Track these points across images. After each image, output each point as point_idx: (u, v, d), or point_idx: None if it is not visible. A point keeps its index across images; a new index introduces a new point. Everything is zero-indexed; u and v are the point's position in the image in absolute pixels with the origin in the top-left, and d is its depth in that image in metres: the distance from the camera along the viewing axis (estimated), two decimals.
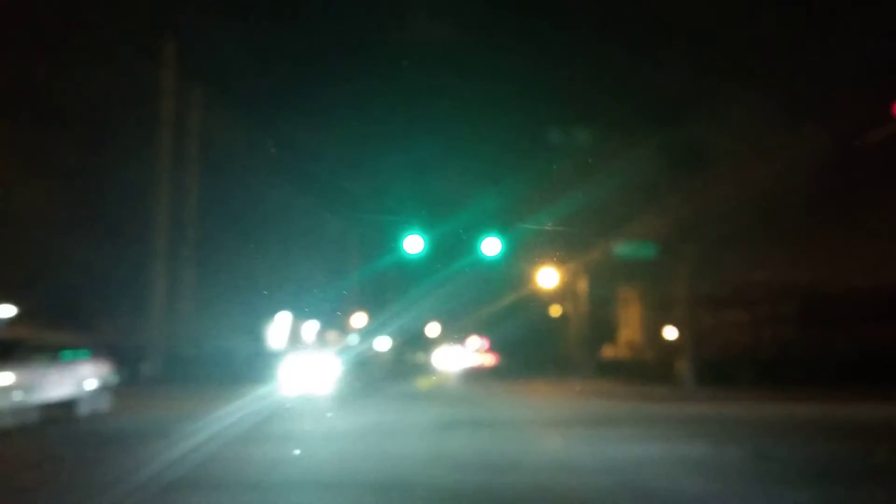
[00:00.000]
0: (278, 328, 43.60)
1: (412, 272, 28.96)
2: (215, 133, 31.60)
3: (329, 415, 13.71)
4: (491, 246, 19.03)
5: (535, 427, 11.84)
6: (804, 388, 20.29)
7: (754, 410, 15.35)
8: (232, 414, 12.40)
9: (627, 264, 26.91)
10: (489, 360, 60.38)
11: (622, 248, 22.62)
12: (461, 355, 62.00)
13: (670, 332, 31.83)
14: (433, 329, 64.42)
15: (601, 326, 32.26)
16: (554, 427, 11.72)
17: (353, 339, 51.06)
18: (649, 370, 28.11)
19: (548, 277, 25.74)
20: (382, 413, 13.95)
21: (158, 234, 28.90)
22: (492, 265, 21.78)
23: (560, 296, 30.82)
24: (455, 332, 62.41)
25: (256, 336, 40.49)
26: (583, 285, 28.81)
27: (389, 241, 19.38)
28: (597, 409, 15.29)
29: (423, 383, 26.62)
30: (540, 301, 37.42)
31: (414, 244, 18.56)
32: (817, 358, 25.83)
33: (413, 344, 65.14)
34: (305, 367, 21.29)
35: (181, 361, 28.60)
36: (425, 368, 50.79)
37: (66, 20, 24.75)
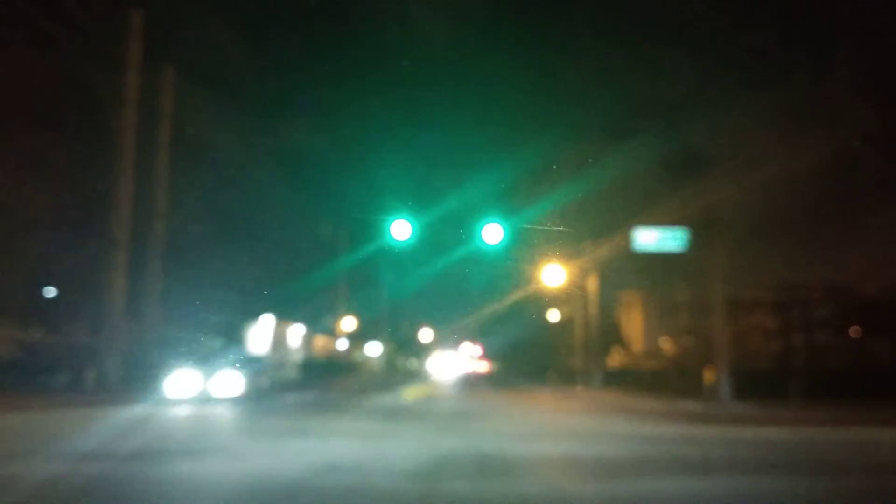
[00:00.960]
0: (260, 332, 38.96)
1: (403, 264, 24.41)
2: (191, 118, 27.45)
3: (262, 445, 9.12)
4: (492, 233, 14.79)
5: (582, 478, 7.28)
6: (857, 403, 16.11)
7: (853, 437, 10.92)
8: (126, 435, 7.96)
9: (644, 261, 22.52)
10: (484, 366, 56.14)
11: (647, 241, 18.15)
12: (455, 362, 57.73)
13: (686, 339, 27.40)
14: (426, 334, 59.98)
15: (608, 331, 27.77)
16: (612, 478, 7.11)
17: (342, 343, 46.53)
18: (667, 381, 23.67)
19: (554, 275, 21.26)
20: (348, 441, 9.40)
21: (119, 225, 24.26)
22: (492, 256, 17.55)
23: (564, 297, 26.29)
24: (449, 338, 58.19)
25: (235, 340, 35.89)
26: (593, 284, 24.29)
27: (376, 229, 15.35)
28: (642, 434, 10.76)
29: (411, 394, 22.02)
30: (539, 304, 33.05)
31: (401, 230, 14.60)
32: (859, 368, 21.53)
33: (405, 349, 60.68)
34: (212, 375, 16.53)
35: (141, 366, 24.23)
36: (417, 375, 46.12)
37: None
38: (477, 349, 59.28)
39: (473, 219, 16.16)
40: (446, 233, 17.80)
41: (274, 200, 31.74)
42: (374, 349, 54.55)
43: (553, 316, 34.24)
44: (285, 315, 41.07)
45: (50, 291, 26.06)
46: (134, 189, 24.63)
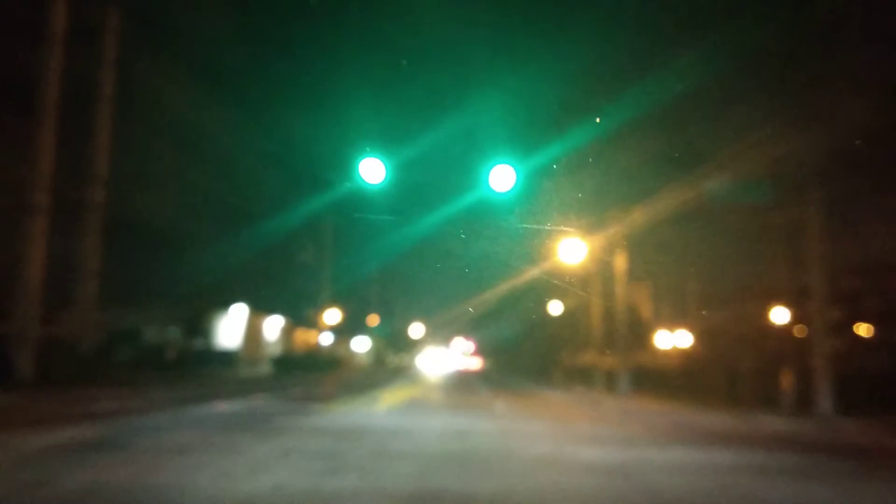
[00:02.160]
0: (231, 323, 32.88)
1: (384, 224, 18.40)
2: (141, 67, 21.62)
3: None
4: (501, 177, 10.62)
5: None
6: None
7: None
8: None
9: (695, 231, 16.61)
10: (477, 363, 50.47)
11: (723, 190, 12.29)
12: (446, 358, 52.23)
13: (725, 332, 21.50)
14: (417, 330, 54.25)
15: (633, 322, 21.77)
16: None
17: (327, 337, 40.48)
18: (708, 385, 17.80)
19: (572, 250, 15.29)
20: None
21: (36, 187, 18.15)
22: (499, 208, 12.18)
23: (582, 278, 20.24)
24: (440, 333, 52.67)
25: (198, 331, 29.81)
26: (621, 263, 18.30)
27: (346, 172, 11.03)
28: None
29: (390, 399, 15.91)
30: (542, 290, 27.19)
31: (372, 170, 10.70)
32: None
33: (395, 345, 54.98)
34: None
35: (69, 359, 18.50)
36: (405, 373, 40.03)
37: None
38: (469, 345, 53.64)
39: (475, 161, 11.28)
40: (438, 172, 12.42)
41: (240, 162, 25.74)
42: (361, 344, 48.73)
43: (556, 306, 28.37)
44: (261, 305, 35.07)
45: None
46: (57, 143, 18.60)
